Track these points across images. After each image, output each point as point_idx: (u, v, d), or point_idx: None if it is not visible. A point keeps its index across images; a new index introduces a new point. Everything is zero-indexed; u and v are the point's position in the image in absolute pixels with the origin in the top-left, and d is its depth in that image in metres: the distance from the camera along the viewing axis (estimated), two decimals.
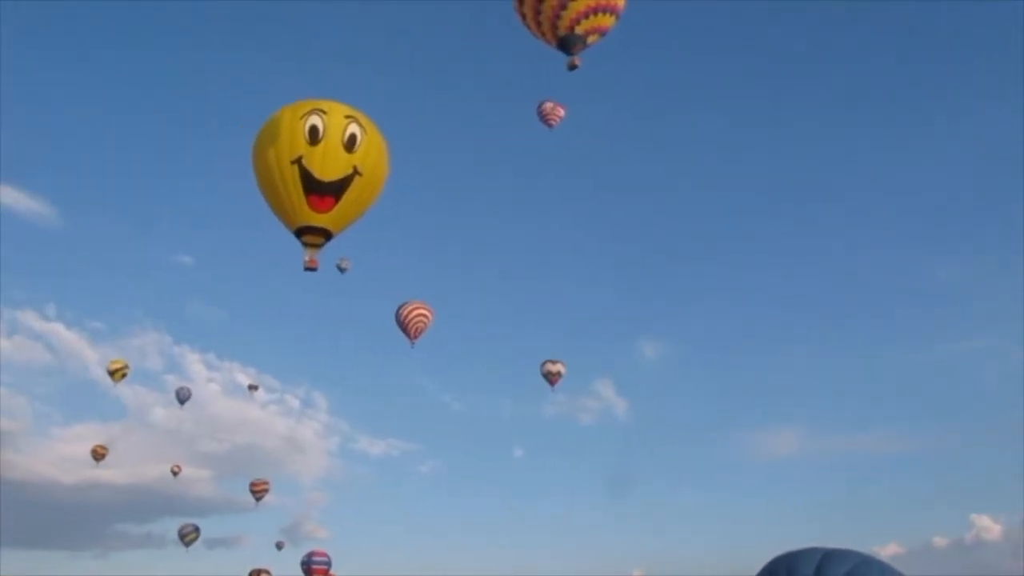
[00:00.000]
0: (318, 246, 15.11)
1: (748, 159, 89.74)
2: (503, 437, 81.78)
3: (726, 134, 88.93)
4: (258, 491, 45.67)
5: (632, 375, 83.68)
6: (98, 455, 46.17)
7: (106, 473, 61.79)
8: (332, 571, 39.36)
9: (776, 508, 71.44)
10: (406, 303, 32.20)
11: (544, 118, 35.40)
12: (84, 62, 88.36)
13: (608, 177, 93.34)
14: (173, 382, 57.97)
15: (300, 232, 14.85)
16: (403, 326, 31.87)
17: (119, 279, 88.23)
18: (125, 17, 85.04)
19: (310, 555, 39.82)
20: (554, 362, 37.89)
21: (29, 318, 71.19)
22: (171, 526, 64.66)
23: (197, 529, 45.41)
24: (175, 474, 50.41)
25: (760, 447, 77.96)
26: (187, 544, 44.90)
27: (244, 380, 65.71)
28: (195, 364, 73.29)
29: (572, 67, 18.87)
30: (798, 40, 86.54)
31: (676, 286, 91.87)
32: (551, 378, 37.68)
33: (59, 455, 67.53)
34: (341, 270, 42.16)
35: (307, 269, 15.20)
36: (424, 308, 32.39)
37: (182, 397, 48.91)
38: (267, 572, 43.05)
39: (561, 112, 35.57)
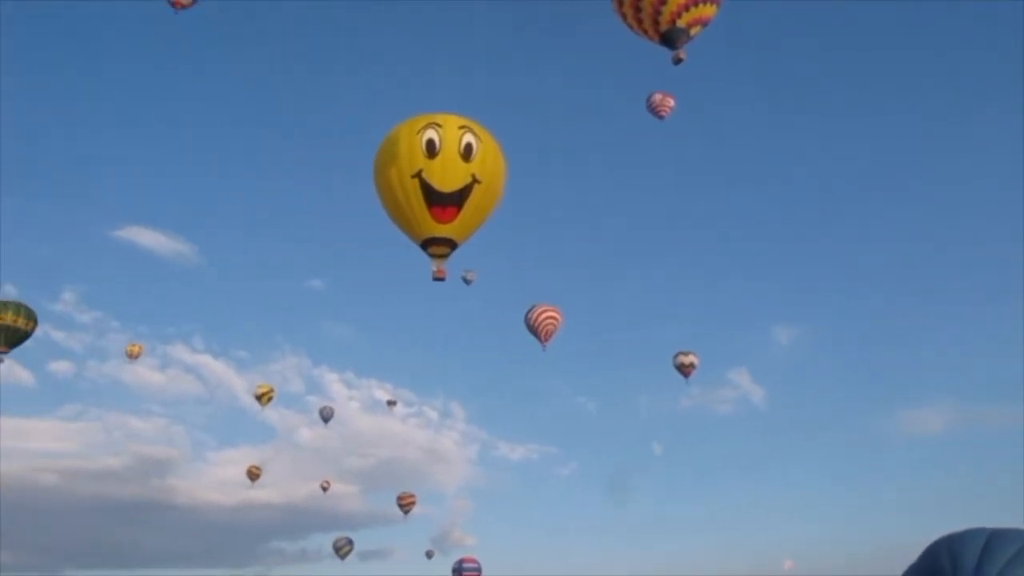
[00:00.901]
0: (444, 256, 15.46)
1: (878, 135, 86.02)
2: (641, 434, 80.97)
3: (850, 110, 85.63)
4: (405, 504, 46.79)
5: (767, 362, 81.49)
6: (253, 475, 48.36)
7: (261, 493, 64.61)
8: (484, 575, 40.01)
9: (924, 491, 68.05)
10: (534, 306, 32.37)
11: (654, 110, 35.09)
12: (201, 95, 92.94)
13: (728, 165, 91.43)
14: (315, 403, 60.00)
15: (426, 244, 15.25)
16: (533, 330, 32.05)
17: (257, 308, 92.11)
18: (241, 37, 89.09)
19: (460, 562, 40.57)
20: (686, 354, 37.42)
21: (179, 351, 75.21)
22: (324, 541, 66.96)
23: (351, 542, 46.89)
24: (324, 490, 52.27)
25: (904, 428, 74.35)
26: (342, 557, 46.41)
27: (382, 396, 67.52)
28: (334, 384, 75.75)
29: (677, 61, 18.67)
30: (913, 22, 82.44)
31: (806, 270, 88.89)
32: (684, 370, 37.22)
33: (217, 478, 71.02)
34: (466, 282, 42.84)
35: (435, 279, 15.56)
36: (553, 310, 32.49)
37: (326, 416, 50.67)
38: None
39: (671, 102, 35.19)
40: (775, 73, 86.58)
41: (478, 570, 40.20)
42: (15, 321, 29.42)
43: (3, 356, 29.76)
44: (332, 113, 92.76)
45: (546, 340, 32.20)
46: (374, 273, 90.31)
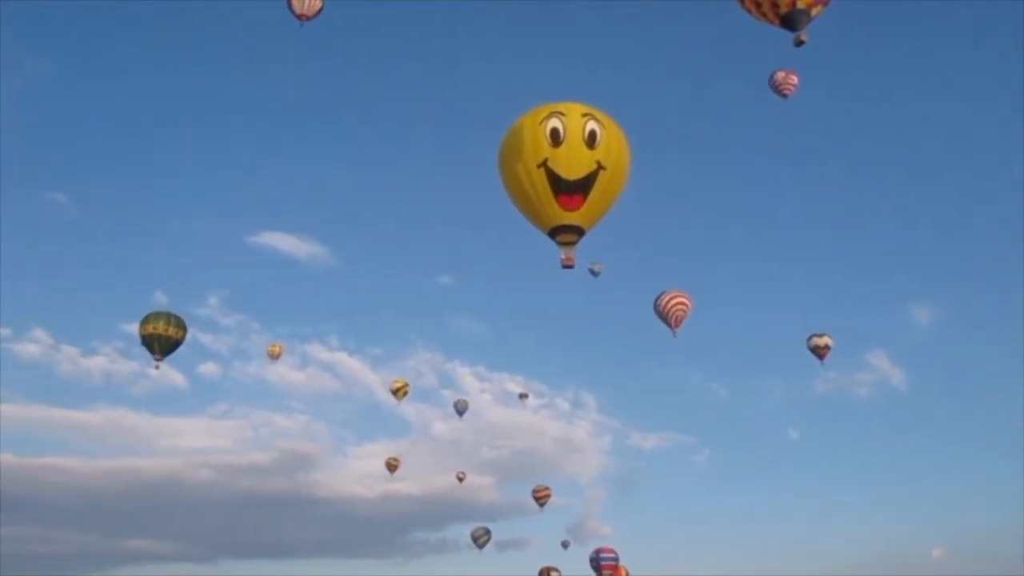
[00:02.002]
0: (572, 243, 15.58)
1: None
2: (776, 420, 79.08)
3: (985, 88, 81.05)
4: (541, 497, 47.15)
5: (906, 342, 78.08)
6: (392, 467, 49.78)
7: (400, 485, 66.58)
8: (622, 564, 39.93)
9: None
10: (664, 293, 32.05)
11: (777, 88, 34.29)
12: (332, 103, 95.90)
13: (855, 143, 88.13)
14: (449, 396, 61.34)
15: (554, 232, 15.40)
16: (663, 316, 31.76)
17: (390, 306, 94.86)
18: (362, 40, 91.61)
19: (598, 552, 40.59)
20: (820, 335, 36.38)
21: (317, 350, 78.30)
22: (462, 531, 68.27)
23: (488, 532, 47.64)
24: (461, 480, 53.26)
25: None
26: (480, 547, 47.22)
27: (514, 388, 68.36)
28: (467, 377, 77.20)
29: (799, 43, 18.18)
30: None
31: (943, 245, 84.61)
32: (819, 352, 36.20)
33: (358, 472, 73.56)
34: (594, 274, 42.78)
35: (564, 267, 15.70)
36: (682, 296, 32.10)
37: (460, 409, 51.62)
38: (556, 570, 44.40)
39: (795, 80, 34.30)
40: (905, 47, 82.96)
41: (615, 560, 40.14)
42: (166, 330, 31.25)
43: (158, 363, 31.73)
44: (455, 108, 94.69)
45: (676, 326, 31.85)
46: (502, 267, 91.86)
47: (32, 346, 70.47)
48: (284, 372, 74.39)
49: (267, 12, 73.17)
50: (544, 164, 14.47)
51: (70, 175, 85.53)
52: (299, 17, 34.40)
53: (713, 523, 73.47)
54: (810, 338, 36.64)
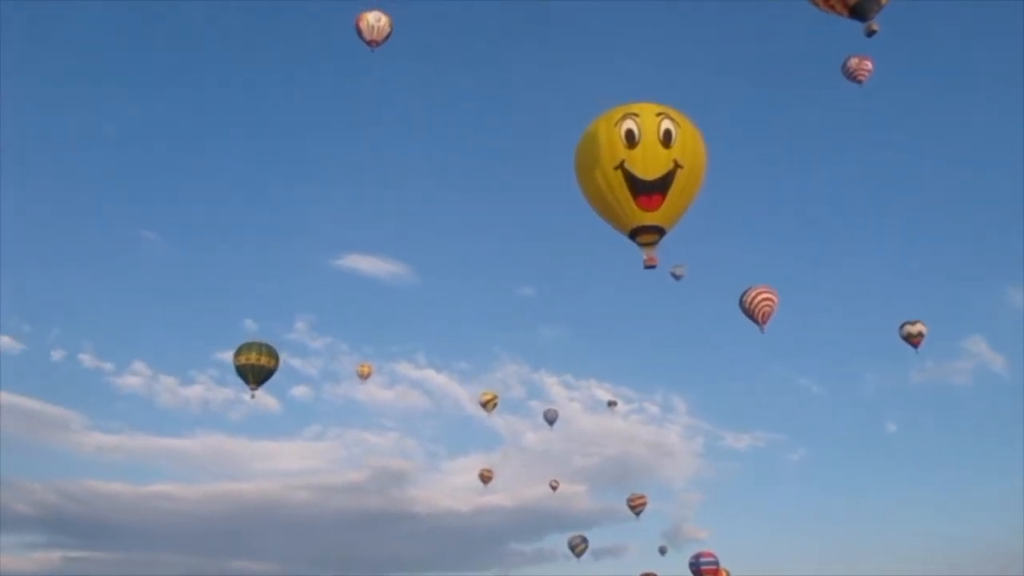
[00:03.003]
0: (653, 244, 15.58)
1: None
2: (872, 413, 76.96)
3: None
4: (636, 506, 46.91)
5: (1004, 327, 75.03)
6: (485, 478, 50.18)
7: (494, 498, 66.94)
8: (723, 567, 39.42)
9: None
10: (749, 289, 31.62)
11: (852, 75, 33.70)
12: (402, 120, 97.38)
13: (935, 126, 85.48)
14: (538, 407, 61.47)
15: (634, 233, 15.43)
16: (749, 313, 31.32)
17: (474, 320, 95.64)
18: (433, 61, 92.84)
19: (697, 556, 40.19)
20: (913, 323, 35.42)
21: (405, 368, 79.44)
22: (559, 541, 68.10)
23: (585, 540, 47.54)
24: (554, 489, 53.28)
25: None
26: (578, 555, 47.14)
27: (602, 395, 68.14)
28: (554, 387, 77.29)
29: (871, 33, 17.85)
30: None
31: None
32: (912, 340, 35.23)
33: (451, 486, 74.29)
34: (676, 277, 42.50)
35: (647, 267, 15.71)
36: (768, 291, 31.61)
37: (550, 419, 51.70)
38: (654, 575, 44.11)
39: (868, 65, 33.65)
40: (985, 26, 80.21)
41: (716, 564, 39.69)
42: (258, 360, 32.23)
43: (254, 392, 32.76)
44: (526, 117, 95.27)
45: (764, 322, 31.38)
46: (583, 274, 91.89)
47: (133, 378, 73.31)
48: (374, 391, 75.69)
49: (337, 37, 75.13)
50: (621, 166, 14.52)
51: (158, 212, 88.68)
52: (369, 44, 35.25)
53: (812, 522, 72.06)
54: (902, 326, 35.72)
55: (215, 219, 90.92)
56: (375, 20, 35.02)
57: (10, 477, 64.81)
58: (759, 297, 31.38)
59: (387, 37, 35.46)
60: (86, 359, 72.01)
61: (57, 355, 71.50)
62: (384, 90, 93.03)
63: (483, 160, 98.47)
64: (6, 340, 68.28)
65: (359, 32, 35.10)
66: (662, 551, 50.30)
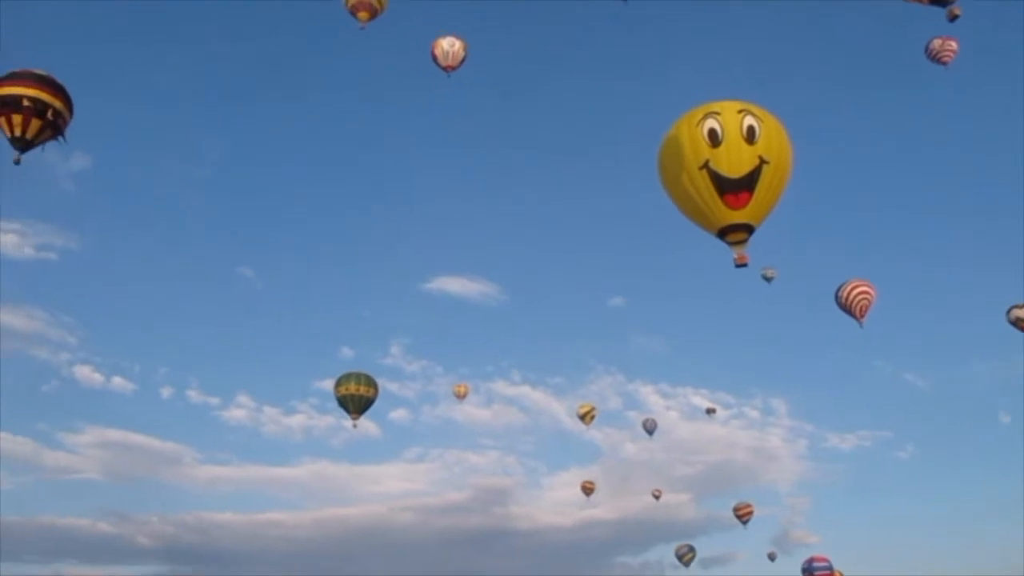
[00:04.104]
0: (743, 242, 15.51)
1: None
2: (983, 404, 73.93)
3: None
4: (743, 515, 46.33)
5: None
6: (587, 490, 50.12)
7: (597, 511, 66.78)
8: (836, 570, 38.54)
9: None
10: (844, 284, 30.98)
11: (936, 57, 32.86)
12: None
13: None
14: (635, 417, 61.23)
15: (723, 233, 15.38)
16: (847, 307, 30.65)
17: (566, 334, 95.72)
18: (513, 77, 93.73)
19: (810, 562, 39.39)
20: (1021, 306, 33.94)
21: (500, 386, 79.99)
22: (665, 551, 67.50)
23: (692, 549, 47.03)
24: (657, 497, 52.91)
25: None
26: (686, 564, 46.65)
27: (699, 402, 67.45)
28: (651, 396, 76.82)
29: (953, 17, 17.51)
30: None
31: None
32: (1022, 325, 33.77)
33: (553, 501, 74.31)
34: (767, 279, 41.96)
35: (738, 266, 15.62)
36: (864, 284, 30.92)
37: (649, 428, 51.36)
38: None
39: (953, 46, 32.78)
40: None
41: (830, 568, 38.85)
42: (357, 390, 33.11)
43: (355, 422, 33.68)
44: (604, 127, 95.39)
45: (862, 316, 30.67)
46: (672, 280, 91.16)
47: (239, 411, 75.64)
48: (471, 411, 76.43)
49: (411, 62, 76.73)
50: (706, 165, 14.51)
51: (252, 249, 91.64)
52: (445, 69, 36.02)
53: (926, 520, 69.59)
54: (1010, 310, 34.22)
55: (305, 252, 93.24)
56: (449, 46, 35.82)
57: (130, 511, 67.87)
58: (856, 291, 30.70)
59: (462, 62, 36.20)
60: (193, 395, 74.72)
61: (166, 392, 74.40)
62: (460, 113, 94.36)
63: (562, 175, 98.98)
64: (118, 381, 71.32)
65: (434, 58, 35.91)
66: (771, 557, 49.57)
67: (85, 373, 70.26)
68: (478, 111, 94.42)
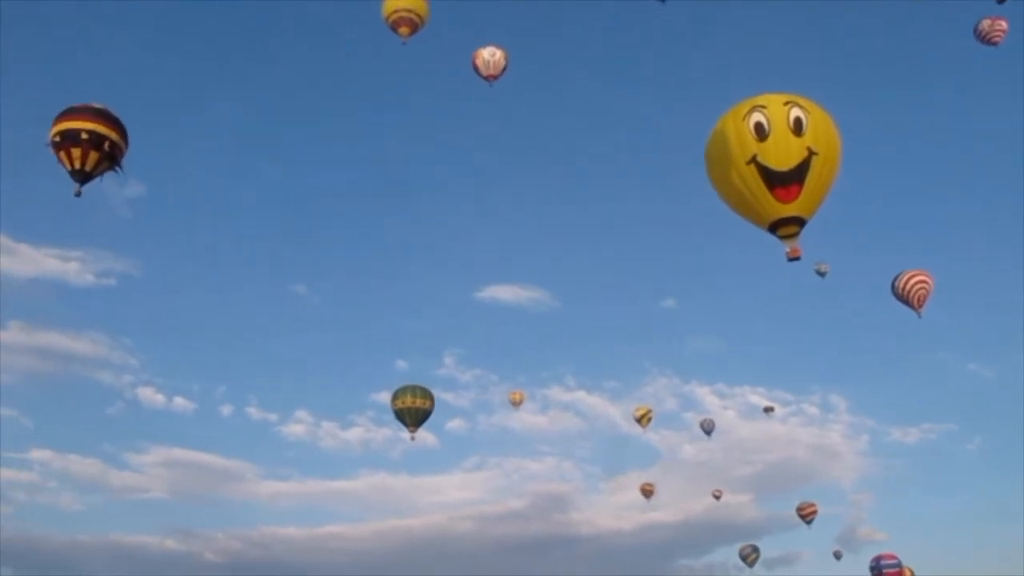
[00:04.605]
0: (795, 235, 15.37)
1: None
2: None
3: None
4: (807, 514, 45.84)
5: None
6: (647, 492, 49.84)
7: (657, 514, 66.36)
8: (906, 567, 37.86)
9: None
10: (901, 274, 30.49)
11: (985, 37, 32.25)
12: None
13: None
14: (692, 419, 60.73)
15: (774, 227, 15.26)
16: (904, 298, 30.14)
17: (619, 337, 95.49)
18: (555, 83, 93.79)
19: (878, 559, 38.78)
20: None
21: (556, 392, 79.96)
22: (728, 554, 66.76)
23: (756, 549, 46.54)
24: (717, 498, 52.50)
25: None
26: (750, 565, 46.22)
27: (757, 401, 66.73)
28: (707, 396, 76.17)
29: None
30: None
31: None
32: None
33: (613, 505, 74.03)
34: (821, 274, 41.54)
35: (790, 260, 15.49)
36: (921, 274, 30.40)
37: (707, 428, 51.00)
38: None
39: (1003, 25, 32.10)
40: None
41: (899, 565, 38.18)
42: (413, 403, 33.44)
43: (413, 434, 34.03)
44: (649, 128, 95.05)
45: (920, 306, 30.13)
46: (723, 279, 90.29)
47: (297, 426, 76.63)
48: (527, 418, 76.53)
49: (452, 72, 77.32)
50: (753, 160, 14.39)
51: (305, 267, 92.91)
52: (486, 79, 36.28)
53: (997, 513, 67.78)
54: None
55: (356, 267, 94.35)
56: (490, 55, 36.08)
57: (196, 528, 69.15)
58: (912, 280, 30.19)
59: (503, 71, 36.43)
60: (252, 412, 75.91)
61: (226, 410, 75.68)
62: (503, 121, 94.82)
63: (607, 178, 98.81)
64: (179, 400, 72.74)
65: (476, 68, 36.20)
66: (837, 556, 48.87)
67: (147, 394, 71.86)
68: (521, 119, 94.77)
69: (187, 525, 74.43)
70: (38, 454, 65.09)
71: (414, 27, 32.75)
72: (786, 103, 14.49)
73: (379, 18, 32.82)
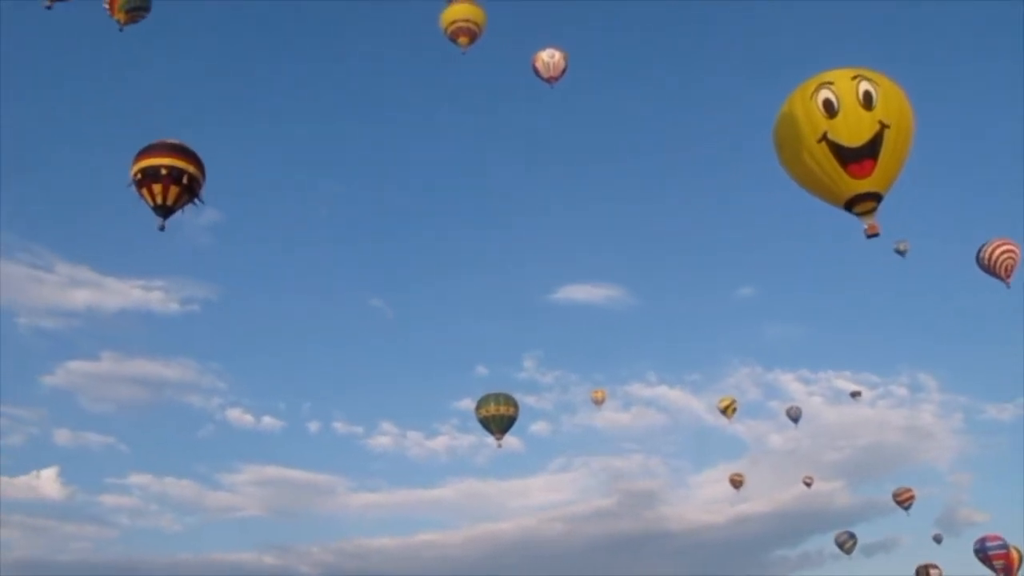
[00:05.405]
0: (872, 211, 15.13)
1: None
2: None
3: None
4: (904, 500, 45.01)
5: None
6: (736, 483, 49.34)
7: (748, 506, 65.55)
8: (1012, 546, 36.68)
9: None
10: (986, 244, 29.59)
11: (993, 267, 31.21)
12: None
13: None
14: (778, 407, 59.84)
15: (850, 204, 15.03)
16: (990, 269, 29.25)
17: (698, 329, 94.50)
18: (615, 79, 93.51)
19: (982, 541, 37.74)
20: None
21: (637, 389, 79.64)
22: (823, 542, 65.49)
23: (853, 536, 45.74)
24: (808, 485, 51.66)
25: None
26: (847, 552, 45.41)
27: (843, 385, 65.46)
28: (791, 384, 75.04)
29: None
30: None
31: None
32: None
33: (703, 499, 73.37)
34: (900, 253, 40.63)
35: (869, 237, 15.25)
36: (1008, 243, 29.45)
37: (794, 416, 50.23)
38: (935, 567, 41.54)
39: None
40: None
41: (1005, 547, 37.02)
42: (497, 410, 33.73)
43: (500, 441, 34.32)
44: (713, 116, 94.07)
45: (1008, 276, 29.20)
46: (800, 263, 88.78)
47: (383, 438, 77.89)
48: (611, 416, 76.37)
49: (513, 76, 77.75)
50: (824, 138, 14.21)
51: (381, 281, 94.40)
52: (547, 80, 36.47)
53: None
54: None
55: (430, 278, 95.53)
56: (549, 57, 36.25)
57: (291, 543, 70.79)
58: (999, 250, 29.27)
59: (563, 72, 36.54)
60: (339, 426, 77.43)
61: (313, 426, 77.30)
62: (566, 121, 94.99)
63: (674, 171, 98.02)
64: (267, 419, 74.53)
65: (536, 71, 36.40)
66: (937, 540, 47.60)
67: (236, 415, 73.86)
68: (584, 118, 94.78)
69: (282, 540, 76.37)
70: (137, 479, 67.50)
71: (473, 36, 33.13)
72: (854, 77, 14.29)
73: (437, 28, 33.27)
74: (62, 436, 68.90)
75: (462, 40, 32.89)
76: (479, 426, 34.64)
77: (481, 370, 77.65)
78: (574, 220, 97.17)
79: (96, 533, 65.51)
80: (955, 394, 74.18)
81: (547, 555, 67.78)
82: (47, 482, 64.81)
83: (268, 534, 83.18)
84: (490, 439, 34.52)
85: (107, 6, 27.56)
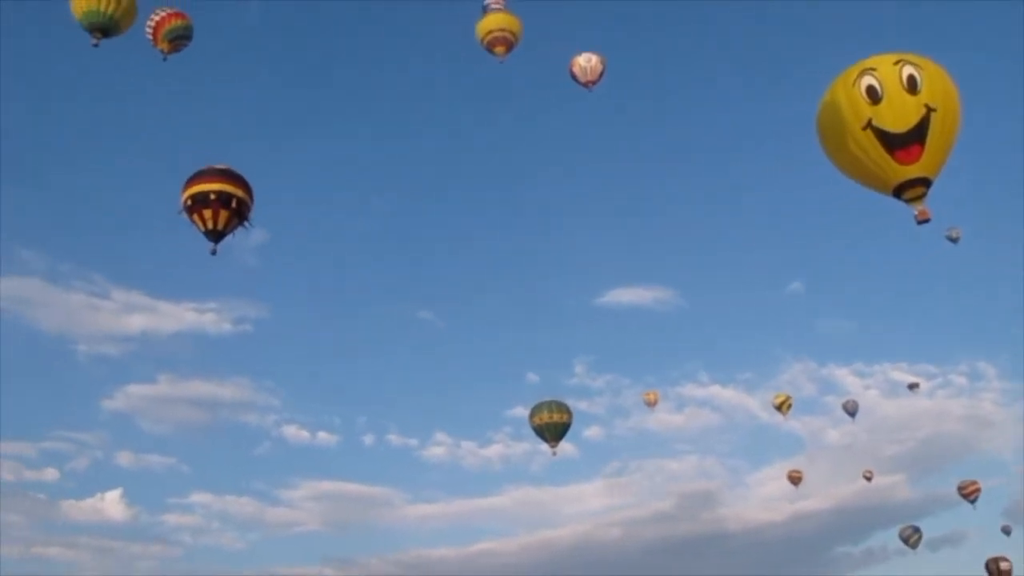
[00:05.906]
0: (921, 197, 14.94)
1: None
2: None
3: None
4: (969, 493, 44.08)
5: None
6: (795, 479, 48.74)
7: (808, 503, 64.58)
8: None
9: None
10: None
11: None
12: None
13: None
14: (833, 402, 58.93)
15: (898, 191, 14.86)
16: None
17: (748, 327, 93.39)
18: (653, 81, 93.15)
19: None
20: None
21: (690, 390, 78.86)
22: (884, 538, 64.34)
23: (918, 530, 44.90)
24: (868, 479, 50.83)
25: None
26: (912, 547, 44.61)
27: (899, 377, 64.36)
28: (847, 378, 73.72)
29: None
30: None
31: None
32: None
33: (761, 498, 72.40)
34: (952, 240, 39.92)
35: (920, 223, 15.06)
36: None
37: (851, 410, 49.55)
38: (1006, 559, 40.57)
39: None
40: None
41: None
42: (551, 417, 33.72)
43: (555, 449, 34.31)
44: (757, 113, 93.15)
45: None
46: (849, 256, 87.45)
47: (437, 449, 77.95)
48: (664, 418, 75.62)
49: (552, 81, 77.78)
50: (869, 124, 14.09)
51: (429, 292, 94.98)
52: (585, 85, 36.51)
53: None
54: None
55: (477, 287, 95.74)
56: (586, 61, 36.25)
57: (352, 556, 71.31)
58: None
59: (600, 75, 36.55)
60: (393, 439, 77.67)
61: (368, 440, 77.70)
62: (607, 125, 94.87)
63: (716, 171, 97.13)
64: (323, 435, 75.33)
65: (573, 76, 36.46)
66: (1006, 531, 46.45)
67: (292, 431, 74.48)
68: (624, 121, 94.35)
69: (343, 554, 76.65)
70: (198, 497, 68.39)
71: (509, 45, 33.33)
72: (896, 62, 14.15)
73: (474, 39, 33.51)
74: (124, 458, 69.95)
75: (499, 50, 33.12)
76: (532, 433, 34.69)
77: (532, 377, 77.46)
78: (618, 223, 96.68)
79: (161, 552, 66.46)
80: (1016, 381, 72.31)
81: (604, 560, 67.37)
82: (111, 504, 65.95)
83: (328, 548, 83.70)
84: (544, 446, 34.56)
85: (150, 37, 28.35)
